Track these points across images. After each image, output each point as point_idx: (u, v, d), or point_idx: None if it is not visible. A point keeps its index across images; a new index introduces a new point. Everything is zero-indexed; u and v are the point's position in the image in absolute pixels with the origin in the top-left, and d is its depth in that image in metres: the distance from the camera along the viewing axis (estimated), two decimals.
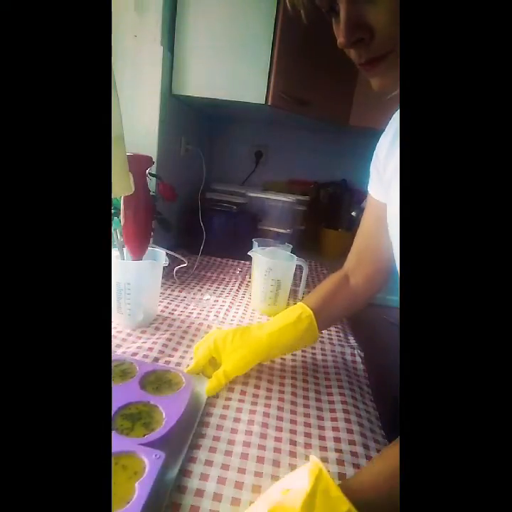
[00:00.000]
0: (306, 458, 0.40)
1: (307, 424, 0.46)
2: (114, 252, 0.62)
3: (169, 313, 0.71)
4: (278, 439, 0.42)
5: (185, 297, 0.79)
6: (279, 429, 0.44)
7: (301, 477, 0.30)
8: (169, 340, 0.59)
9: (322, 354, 0.63)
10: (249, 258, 0.76)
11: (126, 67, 0.84)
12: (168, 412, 0.41)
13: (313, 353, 0.63)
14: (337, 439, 0.44)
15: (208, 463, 0.38)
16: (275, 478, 0.37)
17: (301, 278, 0.81)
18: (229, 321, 0.71)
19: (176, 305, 0.75)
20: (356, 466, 0.40)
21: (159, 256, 0.65)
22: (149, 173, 0.72)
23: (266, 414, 0.46)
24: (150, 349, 0.56)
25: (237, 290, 0.87)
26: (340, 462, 0.40)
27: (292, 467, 0.39)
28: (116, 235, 0.61)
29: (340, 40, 0.34)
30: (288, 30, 0.85)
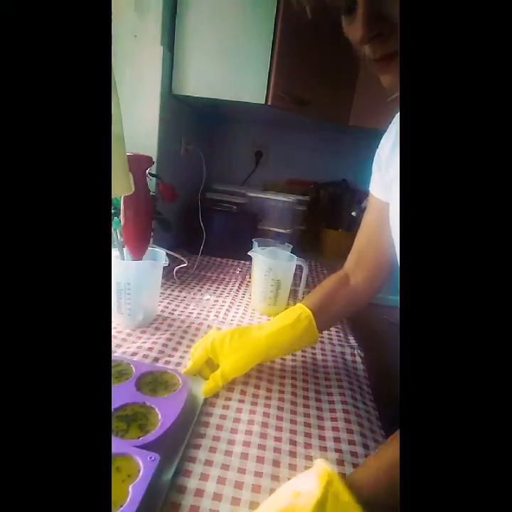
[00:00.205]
0: (307, 458, 0.40)
1: (307, 424, 0.46)
2: (114, 252, 0.62)
3: (169, 313, 0.71)
4: (278, 439, 0.42)
5: (185, 297, 0.79)
6: (279, 429, 0.44)
7: (312, 480, 0.30)
8: (169, 340, 0.59)
9: (322, 354, 0.63)
10: (249, 258, 0.76)
11: (126, 67, 0.84)
12: (164, 413, 0.40)
13: (313, 353, 0.63)
14: (337, 439, 0.44)
15: (208, 463, 0.38)
16: (275, 478, 0.37)
17: (301, 278, 0.81)
18: (229, 321, 0.71)
19: (176, 305, 0.75)
20: (356, 466, 0.40)
21: (159, 256, 0.65)
22: (149, 173, 0.72)
23: (266, 414, 0.46)
24: (150, 349, 0.56)
25: (237, 290, 0.87)
26: (340, 462, 0.40)
27: (292, 467, 0.39)
28: (116, 235, 0.61)
29: (359, 35, 0.33)
30: (288, 30, 0.85)
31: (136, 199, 0.57)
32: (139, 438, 0.37)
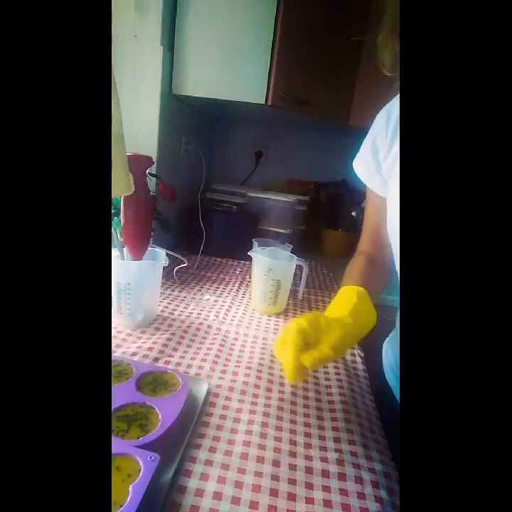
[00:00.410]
0: (307, 458, 0.40)
1: (307, 424, 0.46)
2: (114, 252, 0.62)
3: (169, 313, 0.71)
4: (278, 439, 0.42)
5: (185, 297, 0.79)
6: (279, 429, 0.44)
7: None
8: (169, 340, 0.59)
9: None
10: (249, 258, 0.76)
11: (126, 67, 0.84)
12: (164, 413, 0.40)
13: None
14: (337, 439, 0.44)
15: (208, 463, 0.38)
16: (275, 478, 0.37)
17: (301, 278, 0.81)
18: (229, 320, 0.71)
19: (176, 305, 0.75)
20: (356, 466, 0.40)
21: (159, 256, 0.65)
22: (149, 173, 0.72)
23: (266, 414, 0.46)
24: (150, 349, 0.56)
25: (237, 290, 0.87)
26: (340, 462, 0.40)
27: (292, 467, 0.39)
28: (116, 235, 0.61)
29: None
30: (288, 30, 0.85)
31: (136, 199, 0.57)
32: (139, 438, 0.37)
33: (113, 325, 0.62)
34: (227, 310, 0.76)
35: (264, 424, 0.44)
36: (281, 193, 1.19)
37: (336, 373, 0.57)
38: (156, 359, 0.54)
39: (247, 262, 1.04)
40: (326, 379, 0.56)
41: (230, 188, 1.18)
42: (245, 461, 0.39)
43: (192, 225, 1.04)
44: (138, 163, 0.55)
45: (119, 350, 0.55)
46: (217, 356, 0.57)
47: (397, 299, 0.60)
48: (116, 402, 0.41)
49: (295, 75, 0.92)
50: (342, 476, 0.38)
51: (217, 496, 0.34)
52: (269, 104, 0.88)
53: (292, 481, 0.37)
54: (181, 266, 0.85)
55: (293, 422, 0.46)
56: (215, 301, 0.79)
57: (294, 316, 0.77)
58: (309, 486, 0.37)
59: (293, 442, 0.42)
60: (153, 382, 0.46)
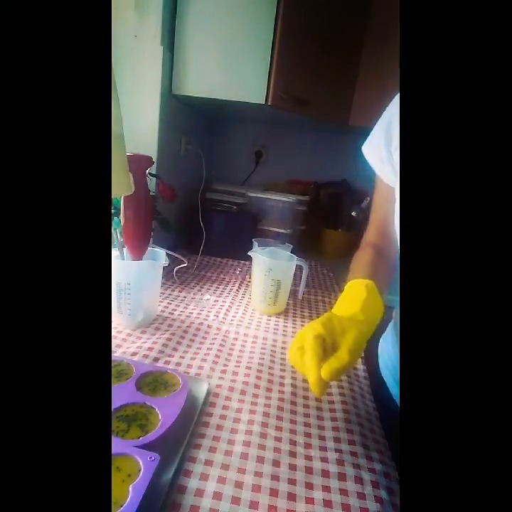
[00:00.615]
0: (307, 458, 0.40)
1: (307, 424, 0.46)
2: (114, 252, 0.62)
3: (169, 313, 0.71)
4: (278, 439, 0.42)
5: (185, 297, 0.79)
6: (279, 429, 0.44)
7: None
8: (169, 340, 0.59)
9: None
10: (249, 258, 0.76)
11: (126, 67, 0.84)
12: (164, 413, 0.40)
13: None
14: (337, 439, 0.44)
15: (208, 463, 0.38)
16: (275, 478, 0.37)
17: (301, 278, 0.81)
18: (229, 320, 0.71)
19: (176, 305, 0.75)
20: (356, 466, 0.40)
21: (159, 256, 0.65)
22: (149, 173, 0.72)
23: (266, 414, 0.46)
24: (150, 349, 0.56)
25: (237, 290, 0.87)
26: (340, 462, 0.40)
27: (292, 467, 0.39)
28: (116, 235, 0.61)
29: None
30: (288, 30, 0.85)
31: (136, 199, 0.57)
32: (139, 438, 0.37)
33: (113, 325, 0.62)
34: (227, 310, 0.76)
35: (264, 424, 0.44)
36: (281, 193, 1.19)
37: None
38: (156, 359, 0.54)
39: (247, 262, 1.04)
40: None
41: (230, 188, 1.18)
42: (245, 461, 0.39)
43: (192, 225, 1.04)
44: (138, 163, 0.55)
45: (119, 350, 0.55)
46: (217, 356, 0.57)
47: (395, 298, 0.60)
48: (116, 402, 0.41)
49: (295, 75, 0.92)
50: (342, 476, 0.38)
51: (217, 496, 0.34)
52: (269, 104, 0.88)
53: (292, 481, 0.37)
54: (181, 266, 0.85)
55: (293, 422, 0.46)
56: (215, 301, 0.79)
57: (294, 316, 0.77)
58: (309, 486, 0.37)
59: (293, 442, 0.42)
60: (153, 382, 0.46)
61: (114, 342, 0.58)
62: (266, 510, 0.34)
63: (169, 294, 0.79)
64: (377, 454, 0.42)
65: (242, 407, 0.47)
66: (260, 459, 0.39)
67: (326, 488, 0.37)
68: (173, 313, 0.71)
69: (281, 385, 0.53)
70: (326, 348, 0.40)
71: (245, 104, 0.90)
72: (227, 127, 1.39)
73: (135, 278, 0.60)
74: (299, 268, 0.78)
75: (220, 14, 0.84)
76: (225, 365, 0.56)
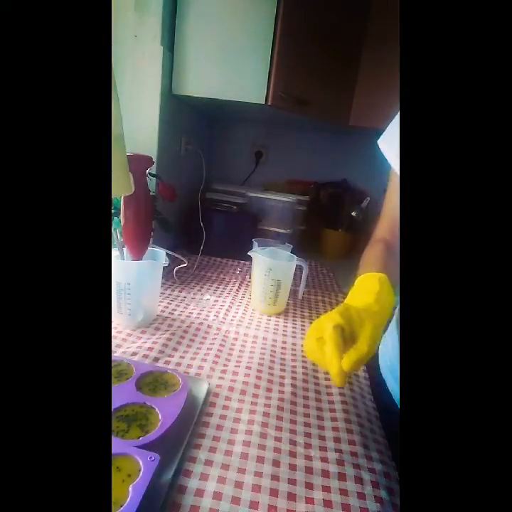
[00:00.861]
0: (307, 458, 0.40)
1: (307, 424, 0.46)
2: (114, 252, 0.62)
3: (169, 313, 0.71)
4: (278, 439, 0.42)
5: (185, 297, 0.79)
6: (279, 429, 0.44)
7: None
8: (169, 340, 0.59)
9: None
10: (249, 258, 0.76)
11: (126, 67, 0.84)
12: (164, 413, 0.40)
13: None
14: (337, 439, 0.44)
15: (208, 463, 0.38)
16: (275, 478, 0.37)
17: (301, 278, 0.81)
18: (229, 320, 0.71)
19: (176, 305, 0.75)
20: (356, 466, 0.40)
21: (159, 256, 0.65)
22: (149, 173, 0.72)
23: (266, 414, 0.46)
24: (150, 349, 0.56)
25: (237, 290, 0.87)
26: (340, 462, 0.40)
27: (292, 467, 0.39)
28: (116, 235, 0.61)
29: None
30: (288, 30, 0.85)
31: (136, 199, 0.57)
32: (139, 438, 0.37)
33: (113, 325, 0.62)
34: (227, 310, 0.76)
35: (264, 424, 0.44)
36: (281, 193, 1.19)
37: None
38: (156, 359, 0.54)
39: (247, 262, 1.04)
40: (326, 379, 0.56)
41: (230, 188, 1.18)
42: (245, 461, 0.39)
43: (192, 225, 1.04)
44: (138, 163, 0.55)
45: (119, 350, 0.55)
46: (217, 356, 0.58)
47: (395, 298, 0.60)
48: (116, 402, 0.41)
49: (295, 75, 0.92)
50: (342, 476, 0.38)
51: (217, 495, 0.34)
52: (269, 104, 0.88)
53: (292, 481, 0.37)
54: (181, 266, 0.85)
55: (293, 422, 0.46)
56: (215, 301, 0.79)
57: (294, 316, 0.77)
58: (309, 486, 0.37)
59: (293, 442, 0.42)
60: (153, 382, 0.46)
61: (114, 342, 0.58)
62: (266, 510, 0.34)
63: (169, 294, 0.79)
64: (377, 454, 0.42)
65: (242, 407, 0.47)
66: (260, 459, 0.39)
67: (326, 488, 0.37)
68: (173, 313, 0.71)
69: (281, 385, 0.53)
70: (345, 338, 0.39)
71: (245, 104, 0.90)
72: (227, 127, 1.39)
73: (135, 278, 0.60)
74: (299, 268, 0.78)
75: (220, 14, 0.84)
76: (225, 365, 0.56)
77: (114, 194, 0.48)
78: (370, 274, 0.49)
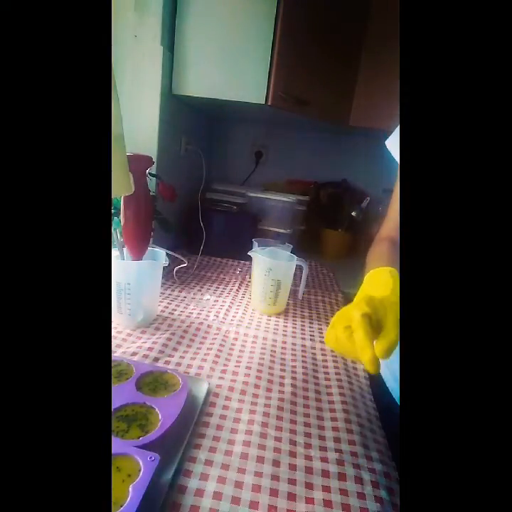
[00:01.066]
0: (307, 458, 0.40)
1: (307, 424, 0.46)
2: (114, 252, 0.62)
3: (169, 313, 0.71)
4: (278, 439, 0.42)
5: (185, 297, 0.79)
6: (279, 429, 0.44)
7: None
8: (169, 340, 0.59)
9: (322, 354, 0.63)
10: (249, 258, 0.76)
11: (126, 67, 0.84)
12: (164, 413, 0.40)
13: (313, 353, 0.63)
14: (337, 439, 0.44)
15: (208, 463, 0.38)
16: (275, 478, 0.37)
17: (301, 278, 0.81)
18: (229, 320, 0.71)
19: (176, 305, 0.75)
20: (356, 466, 0.40)
21: (159, 256, 0.65)
22: (149, 173, 0.72)
23: (266, 414, 0.46)
24: (150, 349, 0.56)
25: (237, 290, 0.87)
26: (340, 462, 0.40)
27: (292, 467, 0.39)
28: (116, 235, 0.61)
29: None
30: (288, 30, 0.85)
31: (136, 199, 0.57)
32: (139, 438, 0.37)
33: (113, 325, 0.62)
34: (227, 310, 0.76)
35: (264, 424, 0.44)
36: (281, 193, 1.19)
37: (336, 373, 0.57)
38: (156, 359, 0.54)
39: (247, 262, 1.04)
40: (326, 379, 0.56)
41: (230, 188, 1.18)
42: (245, 461, 0.39)
43: (192, 225, 1.04)
44: (138, 163, 0.55)
45: (119, 350, 0.55)
46: (217, 356, 0.58)
47: None
48: (116, 402, 0.41)
49: (295, 75, 0.92)
50: (342, 476, 0.38)
51: (217, 495, 0.34)
52: (269, 104, 0.88)
53: (292, 481, 0.37)
54: (181, 266, 0.85)
55: (293, 422, 0.46)
56: (215, 301, 0.79)
57: (294, 316, 0.77)
58: (309, 486, 0.37)
59: (293, 442, 0.42)
60: (153, 382, 0.46)
61: (114, 342, 0.58)
62: (266, 510, 0.34)
63: (169, 294, 0.79)
64: (377, 454, 0.42)
65: (242, 407, 0.47)
66: (260, 459, 0.39)
67: (326, 488, 0.37)
68: (173, 313, 0.71)
69: (281, 385, 0.53)
70: (372, 326, 0.39)
71: (245, 104, 0.90)
72: (227, 127, 1.39)
73: (135, 278, 0.60)
74: (299, 268, 0.78)
75: (220, 14, 0.84)
76: (225, 365, 0.56)
77: (114, 194, 0.48)
78: (380, 269, 0.49)
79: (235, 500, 0.34)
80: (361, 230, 1.26)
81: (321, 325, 0.74)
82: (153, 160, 0.60)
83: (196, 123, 1.17)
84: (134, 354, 0.54)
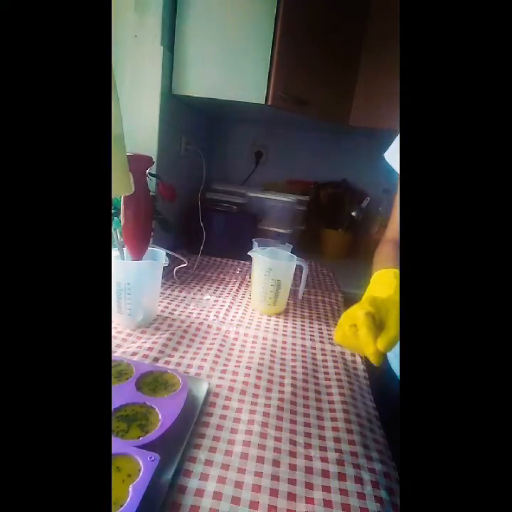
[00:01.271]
0: (307, 458, 0.40)
1: (307, 424, 0.46)
2: (114, 252, 0.62)
3: (169, 313, 0.71)
4: (278, 439, 0.42)
5: (185, 297, 0.79)
6: (279, 429, 0.44)
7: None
8: (169, 340, 0.59)
9: (322, 354, 0.63)
10: (249, 258, 0.76)
11: (126, 67, 0.84)
12: (164, 413, 0.40)
13: (313, 353, 0.63)
14: (337, 439, 0.44)
15: (208, 463, 0.38)
16: (275, 478, 0.37)
17: (301, 278, 0.81)
18: (229, 321, 0.71)
19: (176, 305, 0.75)
20: (356, 466, 0.40)
21: (159, 256, 0.65)
22: (149, 173, 0.72)
23: (266, 414, 0.46)
24: (150, 349, 0.56)
25: (237, 290, 0.87)
26: (340, 462, 0.40)
27: (292, 467, 0.39)
28: (116, 235, 0.61)
29: None
30: (288, 30, 0.85)
31: (136, 199, 0.57)
32: (139, 438, 0.37)
33: (113, 325, 0.62)
34: (227, 310, 0.76)
35: (264, 424, 0.44)
36: (281, 193, 1.19)
37: (336, 373, 0.57)
38: (156, 359, 0.54)
39: (247, 262, 1.04)
40: (326, 379, 0.56)
41: (230, 188, 1.18)
42: (245, 461, 0.39)
43: (192, 225, 1.04)
44: (138, 163, 0.55)
45: (119, 350, 0.55)
46: (217, 356, 0.58)
47: None
48: (116, 402, 0.41)
49: (295, 75, 0.92)
50: (342, 476, 0.38)
51: (217, 495, 0.34)
52: (269, 104, 0.88)
53: (292, 481, 0.37)
54: (181, 266, 0.85)
55: (293, 422, 0.46)
56: (215, 301, 0.79)
57: (294, 316, 0.77)
58: (309, 486, 0.37)
59: (293, 442, 0.42)
60: (153, 382, 0.46)
61: (114, 342, 0.58)
62: (266, 510, 0.34)
63: (169, 294, 0.79)
64: (377, 454, 0.42)
65: (242, 407, 0.47)
66: (260, 459, 0.39)
67: (326, 488, 0.37)
68: (173, 313, 0.71)
69: (281, 385, 0.53)
70: (375, 323, 0.43)
71: (245, 104, 0.90)
72: (227, 127, 1.39)
73: (135, 278, 0.60)
74: (299, 268, 0.78)
75: (220, 14, 0.84)
76: (225, 365, 0.56)
77: (114, 194, 0.48)
78: (385, 271, 0.53)
79: (235, 500, 0.34)
80: (361, 230, 1.26)
81: (321, 325, 0.74)
82: (153, 160, 0.60)
83: (196, 123, 1.17)
84: (134, 354, 0.54)
